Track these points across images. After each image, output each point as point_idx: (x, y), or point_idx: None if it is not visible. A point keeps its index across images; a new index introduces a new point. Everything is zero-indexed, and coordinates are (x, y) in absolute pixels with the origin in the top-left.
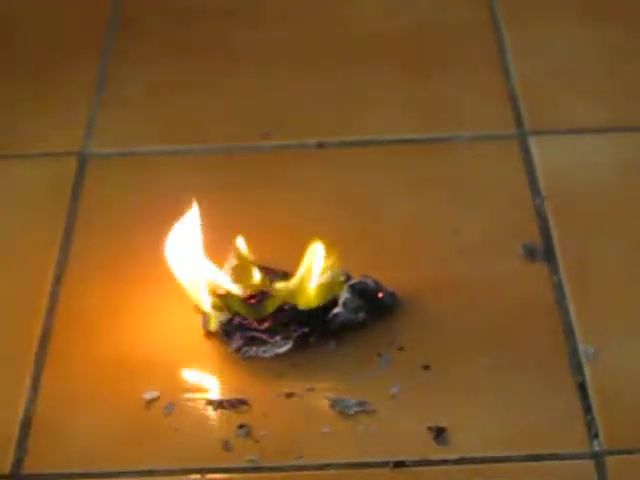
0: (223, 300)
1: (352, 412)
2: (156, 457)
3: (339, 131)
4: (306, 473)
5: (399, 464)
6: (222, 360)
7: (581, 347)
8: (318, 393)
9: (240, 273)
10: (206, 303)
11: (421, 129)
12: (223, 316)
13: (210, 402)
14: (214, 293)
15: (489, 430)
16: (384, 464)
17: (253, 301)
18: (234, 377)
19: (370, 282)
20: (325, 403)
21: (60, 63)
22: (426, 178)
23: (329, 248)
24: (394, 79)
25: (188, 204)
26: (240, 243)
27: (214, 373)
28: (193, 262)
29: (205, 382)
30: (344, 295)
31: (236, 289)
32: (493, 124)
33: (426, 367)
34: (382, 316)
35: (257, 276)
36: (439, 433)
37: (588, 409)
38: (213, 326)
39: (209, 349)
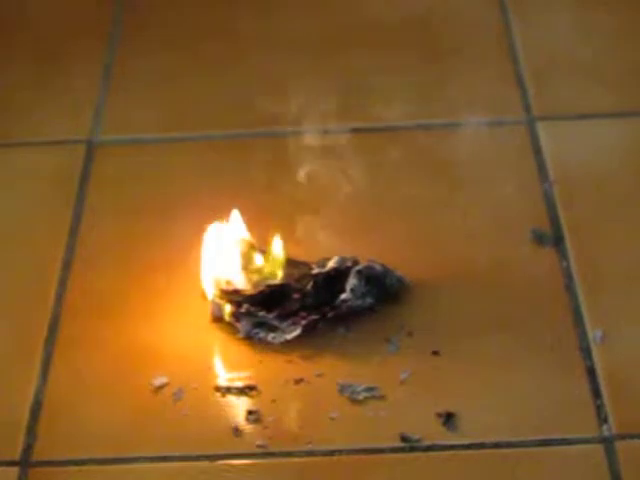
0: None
1: (361, 397)
2: (165, 443)
3: (346, 117)
4: (315, 458)
5: (408, 449)
6: (231, 346)
7: (590, 332)
8: (327, 379)
9: (244, 259)
10: (213, 293)
11: (429, 115)
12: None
13: (219, 388)
14: (221, 289)
15: (498, 415)
16: (393, 449)
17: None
18: (243, 363)
19: (377, 267)
20: (334, 389)
21: (67, 51)
22: (435, 163)
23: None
24: (403, 65)
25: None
26: (236, 219)
27: (223, 359)
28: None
29: (214, 368)
30: (351, 281)
31: (242, 282)
32: (501, 110)
33: (435, 352)
34: (391, 301)
35: (259, 261)
36: (448, 418)
37: (597, 394)
38: (222, 312)
39: (218, 335)
